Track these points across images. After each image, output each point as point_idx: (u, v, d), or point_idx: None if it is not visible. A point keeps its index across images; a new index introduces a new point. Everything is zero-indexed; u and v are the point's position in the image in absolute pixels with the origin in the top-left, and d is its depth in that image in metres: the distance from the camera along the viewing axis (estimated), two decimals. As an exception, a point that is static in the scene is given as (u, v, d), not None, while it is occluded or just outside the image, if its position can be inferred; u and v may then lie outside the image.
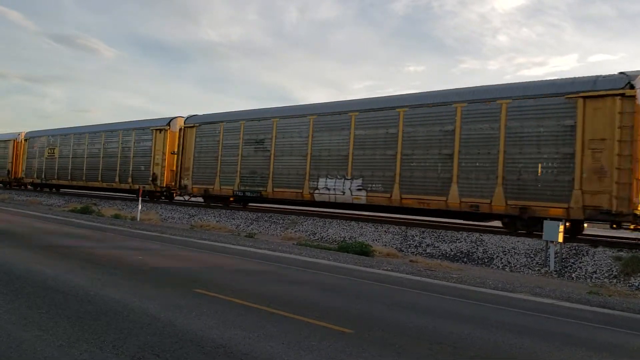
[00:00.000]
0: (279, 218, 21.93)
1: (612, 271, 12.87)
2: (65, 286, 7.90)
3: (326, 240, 18.53)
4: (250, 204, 26.24)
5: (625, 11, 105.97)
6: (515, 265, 14.31)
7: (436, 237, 16.90)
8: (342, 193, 19.84)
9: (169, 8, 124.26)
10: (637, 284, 12.08)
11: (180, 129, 27.47)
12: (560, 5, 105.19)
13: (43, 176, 38.76)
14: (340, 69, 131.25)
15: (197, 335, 5.70)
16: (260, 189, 22.62)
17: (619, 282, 12.37)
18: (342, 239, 18.25)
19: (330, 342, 5.69)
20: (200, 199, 27.74)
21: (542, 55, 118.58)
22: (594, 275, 12.95)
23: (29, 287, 7.70)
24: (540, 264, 14.02)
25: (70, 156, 35.75)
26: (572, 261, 13.76)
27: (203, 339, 5.54)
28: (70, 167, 35.60)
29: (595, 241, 14.88)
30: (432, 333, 6.50)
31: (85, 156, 34.25)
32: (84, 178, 34.25)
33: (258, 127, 23.34)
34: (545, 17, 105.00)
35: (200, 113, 27.51)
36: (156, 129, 28.93)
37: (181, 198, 29.43)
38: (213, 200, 26.11)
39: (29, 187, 43.03)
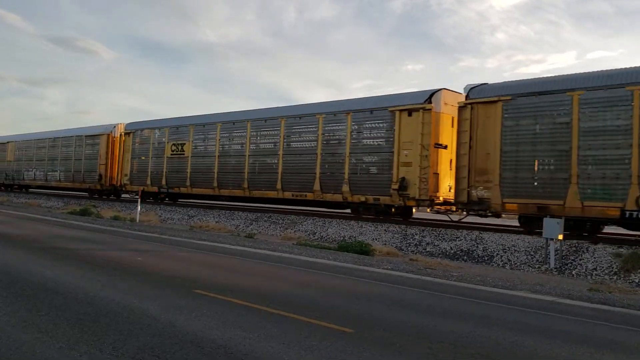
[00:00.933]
0: (279, 218, 21.91)
1: (612, 268, 12.87)
2: (65, 288, 7.90)
3: (326, 240, 18.52)
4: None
5: (623, 8, 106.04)
6: (516, 263, 14.31)
7: (436, 236, 16.89)
8: None
9: (168, 9, 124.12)
10: (637, 281, 12.08)
11: (461, 107, 17.09)
12: (558, 3, 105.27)
13: (163, 182, 28.32)
14: (340, 69, 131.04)
15: (197, 336, 5.69)
16: None
17: (619, 279, 12.37)
18: (341, 238, 18.25)
19: (331, 342, 5.68)
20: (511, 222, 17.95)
21: (540, 53, 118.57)
22: (594, 272, 12.95)
23: (28, 290, 7.70)
24: (541, 262, 14.02)
25: (217, 154, 25.74)
26: (572, 258, 13.77)
27: (203, 340, 5.54)
28: (216, 170, 25.65)
29: (595, 238, 14.87)
30: (433, 332, 6.49)
31: (247, 154, 24.28)
32: (245, 185, 24.08)
33: None
34: (544, 14, 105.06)
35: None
36: (401, 110, 18.80)
37: (443, 217, 19.90)
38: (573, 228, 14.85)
39: (129, 196, 31.69)
